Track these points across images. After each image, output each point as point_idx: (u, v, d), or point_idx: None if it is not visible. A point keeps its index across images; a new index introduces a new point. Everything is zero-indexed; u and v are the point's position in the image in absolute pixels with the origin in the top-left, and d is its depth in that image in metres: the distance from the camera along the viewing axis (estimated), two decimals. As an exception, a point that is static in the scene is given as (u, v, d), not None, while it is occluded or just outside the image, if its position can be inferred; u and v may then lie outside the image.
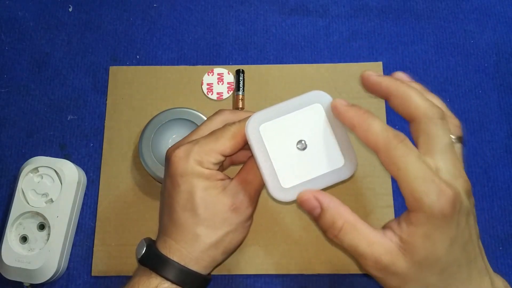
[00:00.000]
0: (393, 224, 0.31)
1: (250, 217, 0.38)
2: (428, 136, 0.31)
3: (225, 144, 0.36)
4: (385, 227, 0.32)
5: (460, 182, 0.30)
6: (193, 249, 0.36)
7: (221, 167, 0.40)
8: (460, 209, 0.29)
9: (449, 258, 0.30)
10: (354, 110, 0.32)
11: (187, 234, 0.36)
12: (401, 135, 0.30)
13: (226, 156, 0.37)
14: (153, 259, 0.36)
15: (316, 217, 0.33)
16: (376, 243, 0.30)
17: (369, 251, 0.30)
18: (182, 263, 0.36)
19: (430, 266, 0.30)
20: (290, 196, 0.34)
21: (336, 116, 0.33)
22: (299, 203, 0.33)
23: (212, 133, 0.37)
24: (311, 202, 0.32)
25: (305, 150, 0.34)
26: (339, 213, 0.32)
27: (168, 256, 0.36)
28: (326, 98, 0.34)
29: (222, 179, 0.37)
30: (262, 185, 0.37)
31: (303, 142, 0.34)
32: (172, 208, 0.37)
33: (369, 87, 0.34)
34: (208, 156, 0.36)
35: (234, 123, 0.37)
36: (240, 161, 0.41)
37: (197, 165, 0.36)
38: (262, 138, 0.34)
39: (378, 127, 0.30)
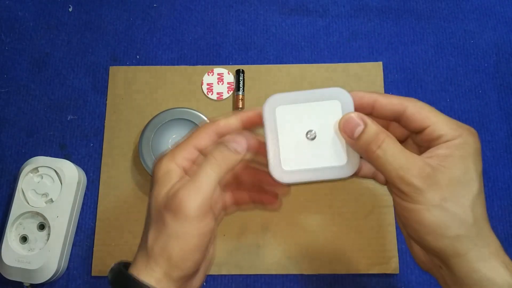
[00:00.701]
0: (424, 154, 0.33)
1: (193, 222, 0.33)
2: (424, 110, 0.34)
3: (199, 137, 0.36)
4: None
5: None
6: (145, 253, 0.34)
7: (224, 212, 0.39)
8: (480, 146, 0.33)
9: (479, 188, 0.32)
10: (371, 92, 0.35)
11: (143, 238, 0.35)
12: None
13: (202, 152, 0.36)
14: (112, 271, 0.35)
15: (357, 136, 0.33)
16: (417, 157, 0.32)
17: (412, 161, 0.32)
18: (134, 271, 0.33)
19: (468, 184, 0.31)
20: (287, 179, 0.35)
21: (359, 100, 0.35)
22: (342, 124, 0.34)
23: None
24: (355, 120, 0.34)
25: (313, 140, 0.35)
26: (382, 128, 0.33)
27: (127, 264, 0.35)
28: (347, 96, 0.35)
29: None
30: (209, 185, 0.34)
31: (313, 132, 0.35)
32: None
33: (382, 109, 0.35)
34: (181, 150, 0.35)
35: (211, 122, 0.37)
36: (245, 203, 0.40)
37: (168, 161, 0.35)
38: (276, 118, 0.35)
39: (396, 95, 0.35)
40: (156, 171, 0.36)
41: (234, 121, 0.37)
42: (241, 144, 0.35)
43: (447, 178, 0.31)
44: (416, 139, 0.36)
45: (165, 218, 0.33)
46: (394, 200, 0.34)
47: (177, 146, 0.36)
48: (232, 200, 0.40)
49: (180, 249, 0.33)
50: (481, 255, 0.31)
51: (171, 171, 0.35)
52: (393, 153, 0.32)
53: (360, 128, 0.33)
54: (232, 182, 0.39)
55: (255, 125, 0.36)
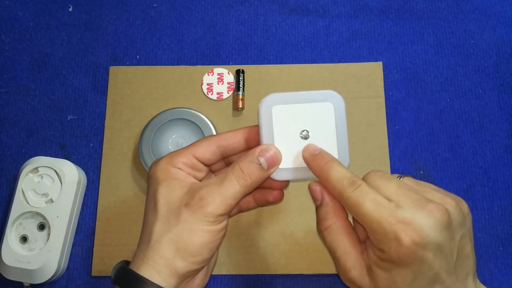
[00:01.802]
0: (369, 243, 0.32)
1: (209, 221, 0.34)
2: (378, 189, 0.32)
3: (199, 146, 0.37)
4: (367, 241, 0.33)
5: (423, 214, 0.30)
6: (146, 247, 0.34)
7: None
8: (425, 245, 0.29)
9: None
10: (317, 160, 0.35)
11: (145, 233, 0.35)
12: (357, 182, 0.32)
13: (201, 161, 0.37)
14: (114, 268, 0.36)
15: (316, 207, 0.35)
16: (352, 256, 0.32)
17: (343, 259, 0.32)
18: (134, 267, 0.34)
19: None
20: (280, 176, 0.36)
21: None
22: (309, 189, 0.35)
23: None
24: (316, 193, 0.35)
25: (307, 140, 0.36)
26: (333, 213, 0.34)
27: (129, 263, 0.35)
28: (339, 100, 0.36)
29: (191, 181, 0.36)
30: (233, 196, 0.35)
31: (306, 132, 0.36)
32: (144, 214, 0.37)
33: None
34: (179, 156, 0.36)
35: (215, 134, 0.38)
36: (249, 207, 0.41)
37: (167, 164, 0.36)
38: (271, 117, 0.36)
39: (335, 177, 0.33)
40: (155, 172, 0.36)
41: (237, 136, 0.37)
42: (272, 162, 0.35)
43: (369, 287, 0.31)
44: None
45: (181, 214, 0.34)
46: None
47: (176, 151, 0.37)
48: (237, 206, 0.40)
49: (191, 241, 0.34)
50: None
51: (175, 174, 0.36)
52: (331, 242, 0.34)
53: (317, 203, 0.35)
54: None
55: (258, 142, 0.37)
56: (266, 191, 0.40)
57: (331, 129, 0.36)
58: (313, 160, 0.35)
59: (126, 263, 0.35)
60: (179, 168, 0.36)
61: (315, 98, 0.36)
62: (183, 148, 0.37)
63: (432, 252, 0.29)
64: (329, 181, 0.33)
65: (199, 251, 0.34)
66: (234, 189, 0.34)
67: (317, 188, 0.35)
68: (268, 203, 0.40)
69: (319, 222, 0.34)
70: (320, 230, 0.34)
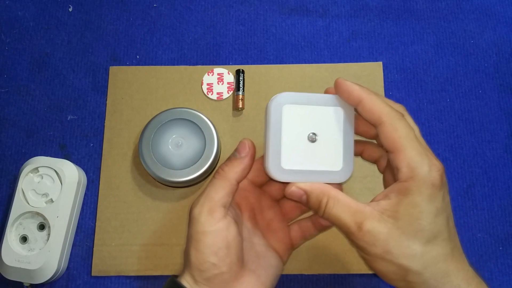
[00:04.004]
0: (378, 196, 0.34)
1: (201, 227, 0.35)
2: (396, 132, 0.33)
3: (219, 193, 0.36)
4: (371, 201, 0.34)
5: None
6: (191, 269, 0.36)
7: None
8: (445, 184, 0.33)
9: (434, 229, 0.31)
10: (360, 86, 0.35)
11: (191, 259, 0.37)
12: (401, 112, 0.34)
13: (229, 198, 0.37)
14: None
15: (306, 203, 0.35)
16: (359, 211, 0.33)
17: (352, 219, 0.33)
18: (181, 280, 0.36)
19: (415, 234, 0.31)
20: (283, 177, 0.36)
21: (342, 92, 0.35)
22: (289, 196, 0.36)
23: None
24: (297, 192, 0.35)
25: (314, 143, 0.36)
26: (322, 191, 0.34)
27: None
28: (349, 106, 0.36)
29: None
30: (216, 191, 0.37)
31: (314, 135, 0.36)
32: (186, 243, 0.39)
33: (342, 93, 0.35)
34: (215, 205, 0.36)
35: (222, 169, 0.37)
36: (312, 234, 0.42)
37: (208, 215, 0.36)
38: (282, 116, 0.35)
39: (383, 102, 0.34)
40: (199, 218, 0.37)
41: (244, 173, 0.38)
42: (244, 150, 0.37)
43: (387, 230, 0.32)
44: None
45: (187, 230, 0.36)
46: None
47: (214, 201, 0.36)
48: (302, 235, 0.41)
49: (194, 248, 0.35)
50: None
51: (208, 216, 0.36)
52: (336, 213, 0.33)
53: (304, 197, 0.35)
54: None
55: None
56: (318, 218, 0.40)
57: (339, 135, 0.36)
58: (356, 85, 0.35)
59: (176, 276, 0.37)
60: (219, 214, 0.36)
61: (326, 101, 0.36)
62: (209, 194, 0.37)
63: (447, 194, 0.34)
64: (379, 104, 0.34)
65: (203, 256, 0.35)
66: (214, 187, 0.36)
67: (293, 187, 0.35)
68: (324, 227, 0.41)
69: (317, 210, 0.34)
70: (323, 213, 0.34)
